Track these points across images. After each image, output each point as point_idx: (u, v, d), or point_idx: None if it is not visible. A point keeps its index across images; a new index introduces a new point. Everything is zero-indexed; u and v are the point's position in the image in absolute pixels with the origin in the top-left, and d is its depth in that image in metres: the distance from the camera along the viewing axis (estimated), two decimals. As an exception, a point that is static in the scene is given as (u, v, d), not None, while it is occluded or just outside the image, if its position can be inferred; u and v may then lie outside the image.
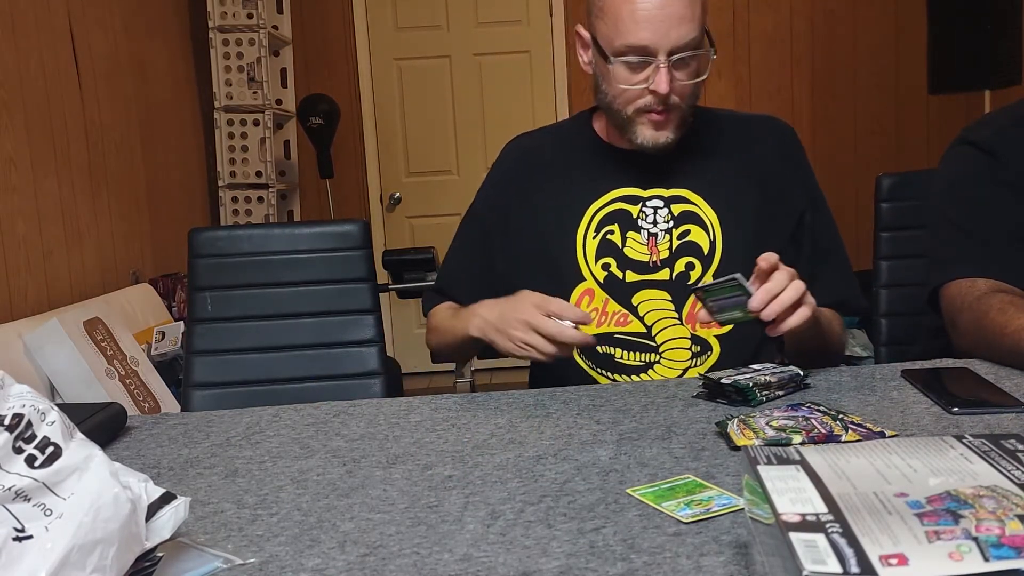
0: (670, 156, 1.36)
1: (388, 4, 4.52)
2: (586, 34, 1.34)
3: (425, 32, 4.54)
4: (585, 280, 1.36)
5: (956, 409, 1.00)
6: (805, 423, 0.94)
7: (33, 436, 0.65)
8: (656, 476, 0.86)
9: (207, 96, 4.06)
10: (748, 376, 1.11)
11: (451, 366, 3.39)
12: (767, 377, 1.11)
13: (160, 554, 0.71)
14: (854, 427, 0.93)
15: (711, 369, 1.32)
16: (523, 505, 0.81)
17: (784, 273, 1.10)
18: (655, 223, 1.35)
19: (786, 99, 4.50)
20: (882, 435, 0.92)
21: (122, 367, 2.61)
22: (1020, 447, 0.62)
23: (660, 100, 1.27)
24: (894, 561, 0.48)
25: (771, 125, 1.44)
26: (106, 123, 3.19)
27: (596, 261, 1.36)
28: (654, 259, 1.35)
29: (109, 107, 3.22)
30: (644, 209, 1.36)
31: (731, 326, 1.20)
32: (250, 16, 3.93)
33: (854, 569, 0.47)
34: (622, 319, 1.35)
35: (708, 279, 1.33)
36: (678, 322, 1.34)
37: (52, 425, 0.67)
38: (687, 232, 1.35)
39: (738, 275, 1.10)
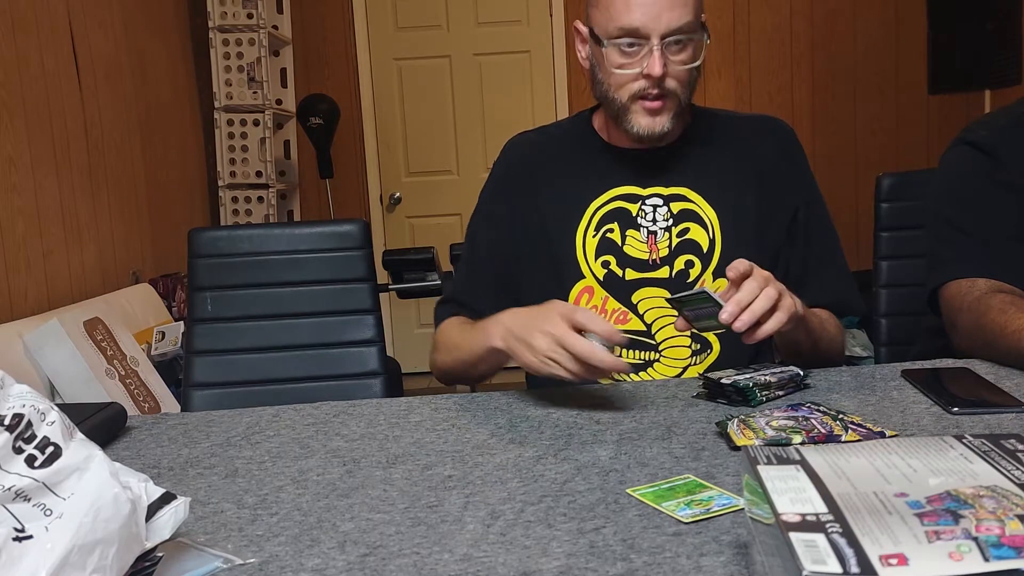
0: (669, 155, 1.37)
1: (388, 4, 4.52)
2: (583, 28, 1.35)
3: (425, 32, 4.54)
4: (584, 278, 1.36)
5: (956, 409, 1.00)
6: (805, 423, 0.94)
7: (33, 436, 0.65)
8: (656, 476, 0.86)
9: (207, 96, 4.06)
10: (748, 376, 1.11)
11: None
12: (767, 377, 1.11)
13: (160, 554, 0.71)
14: (854, 427, 0.93)
15: (711, 367, 1.32)
16: (523, 505, 0.81)
17: (755, 281, 1.07)
18: (654, 221, 1.36)
19: (786, 99, 4.50)
20: (882, 435, 0.92)
21: (122, 367, 2.61)
22: (1020, 447, 0.62)
23: (654, 84, 1.27)
24: (894, 561, 0.48)
25: (770, 125, 1.45)
26: (106, 123, 3.19)
27: (596, 259, 1.36)
28: (654, 257, 1.35)
29: (109, 107, 3.22)
30: (643, 207, 1.36)
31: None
32: (250, 16, 3.93)
33: (854, 569, 0.47)
34: (622, 317, 1.35)
35: (708, 277, 1.34)
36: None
37: (52, 425, 0.67)
38: (686, 230, 1.35)
39: (706, 288, 1.09)
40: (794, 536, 0.51)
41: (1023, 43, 3.43)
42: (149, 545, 0.67)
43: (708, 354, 1.35)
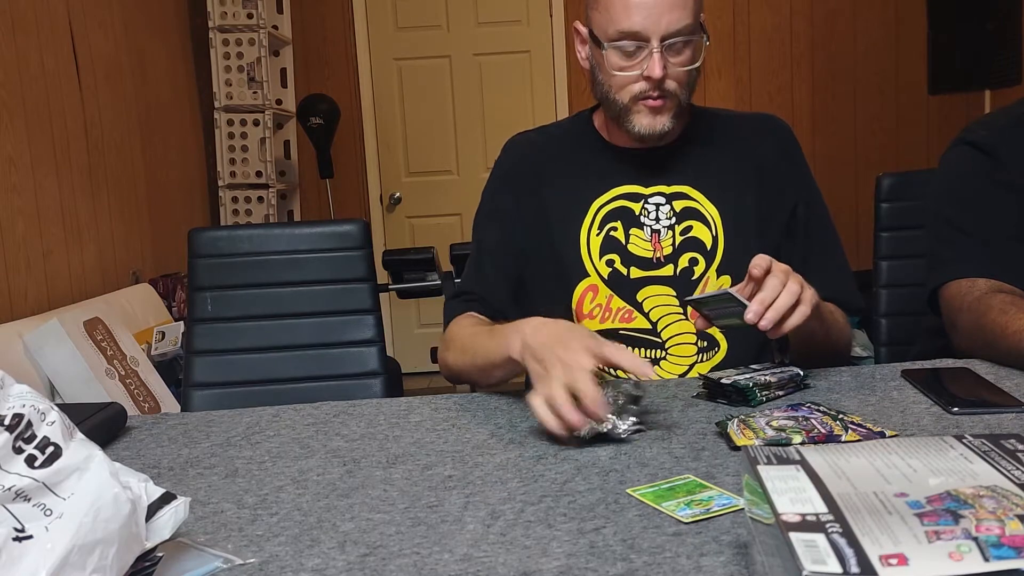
0: (669, 154, 1.37)
1: (388, 4, 4.52)
2: (583, 29, 1.35)
3: (425, 32, 4.54)
4: (589, 276, 1.36)
5: (956, 409, 1.00)
6: (805, 423, 0.94)
7: (33, 436, 0.65)
8: (656, 476, 0.86)
9: (207, 96, 4.06)
10: (748, 376, 1.11)
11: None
12: (767, 377, 1.11)
13: (160, 554, 0.71)
14: (854, 427, 0.93)
15: (718, 364, 1.33)
16: (523, 505, 0.81)
17: (777, 277, 1.07)
18: (657, 220, 1.36)
19: (786, 99, 4.50)
20: (882, 435, 0.92)
21: (122, 367, 2.61)
22: (1020, 447, 0.62)
23: (654, 86, 1.27)
24: (894, 561, 0.48)
25: (769, 124, 1.45)
26: (106, 123, 3.19)
27: (600, 257, 1.36)
28: (657, 255, 1.35)
29: (109, 107, 3.22)
30: (646, 206, 1.36)
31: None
32: (250, 16, 3.93)
33: (854, 569, 0.47)
34: (627, 315, 1.35)
35: (711, 275, 1.34)
36: (683, 318, 1.34)
37: (52, 425, 0.67)
38: (689, 228, 1.36)
39: (729, 289, 1.09)
40: (794, 536, 0.51)
41: (1023, 43, 3.44)
42: (149, 545, 0.67)
43: (716, 352, 1.35)
